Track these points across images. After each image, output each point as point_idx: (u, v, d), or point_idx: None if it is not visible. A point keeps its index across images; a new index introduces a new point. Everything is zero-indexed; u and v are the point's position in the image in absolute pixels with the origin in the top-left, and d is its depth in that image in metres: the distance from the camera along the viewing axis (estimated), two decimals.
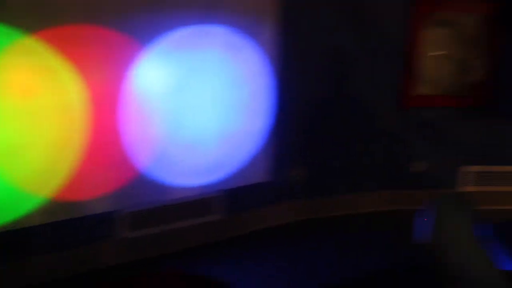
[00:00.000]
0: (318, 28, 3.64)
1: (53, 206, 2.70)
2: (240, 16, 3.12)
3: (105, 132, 2.83)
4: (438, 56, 4.22)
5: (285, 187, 3.78)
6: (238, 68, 3.19)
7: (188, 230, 3.32)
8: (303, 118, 3.74)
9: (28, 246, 2.75)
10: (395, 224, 3.86)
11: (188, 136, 3.10)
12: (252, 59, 3.25)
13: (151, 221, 3.15)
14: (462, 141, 4.18)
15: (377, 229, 3.81)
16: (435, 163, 4.21)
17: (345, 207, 4.08)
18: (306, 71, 3.66)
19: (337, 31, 3.73)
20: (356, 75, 3.88)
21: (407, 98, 4.07)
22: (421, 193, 4.16)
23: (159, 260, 3.16)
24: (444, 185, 4.24)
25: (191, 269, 3.04)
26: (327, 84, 3.81)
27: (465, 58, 4.25)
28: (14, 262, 2.71)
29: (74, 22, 2.58)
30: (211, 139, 3.21)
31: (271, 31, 3.29)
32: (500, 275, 1.26)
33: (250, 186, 3.49)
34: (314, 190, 3.98)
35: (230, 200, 3.48)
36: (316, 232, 3.72)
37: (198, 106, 3.09)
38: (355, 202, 4.11)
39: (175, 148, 3.09)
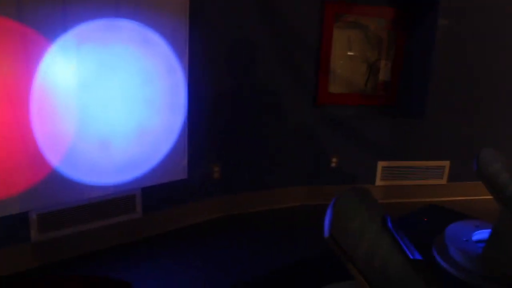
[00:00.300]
0: (230, 24, 3.67)
1: None
2: (150, 10, 3.08)
3: (12, 128, 2.69)
4: (350, 56, 4.41)
5: (200, 185, 3.78)
6: (149, 63, 3.14)
7: (103, 230, 3.24)
8: (217, 115, 3.77)
9: None
10: (311, 219, 3.98)
11: (100, 133, 3.02)
12: (163, 54, 3.22)
13: (64, 222, 3.04)
14: (372, 137, 4.39)
15: (292, 224, 3.91)
16: (349, 158, 4.39)
17: (260, 203, 4.15)
18: (218, 67, 3.69)
19: (250, 27, 3.78)
20: (270, 71, 3.94)
21: (321, 96, 4.21)
22: (337, 188, 4.32)
23: (72, 262, 3.06)
24: (359, 179, 4.44)
25: (103, 271, 2.96)
26: (241, 80, 3.85)
27: (373, 59, 4.48)
28: None
29: None
30: (124, 136, 3.15)
31: (182, 26, 3.27)
32: (405, 264, 1.33)
33: (165, 184, 3.45)
34: (230, 187, 4.01)
35: (145, 198, 3.42)
36: (231, 229, 3.75)
37: (110, 102, 3.02)
38: (270, 198, 4.19)
39: (87, 145, 3.00)
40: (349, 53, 4.42)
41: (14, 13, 2.57)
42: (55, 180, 2.95)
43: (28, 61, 2.69)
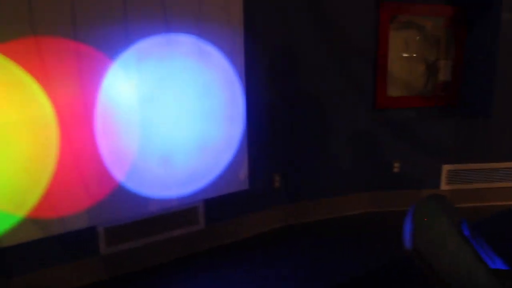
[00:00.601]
0: (284, 32, 3.64)
1: (29, 225, 2.62)
2: (206, 23, 3.10)
3: (79, 146, 2.77)
4: (407, 58, 4.27)
5: (261, 194, 3.75)
6: (207, 76, 3.16)
7: (167, 242, 3.26)
8: (275, 124, 3.74)
9: (5, 266, 2.66)
10: (374, 227, 3.87)
11: (162, 147, 3.06)
12: (221, 66, 3.23)
13: (129, 235, 3.09)
14: (435, 140, 4.23)
15: (356, 232, 3.81)
16: (412, 163, 4.24)
17: (322, 211, 4.08)
18: (274, 76, 3.67)
19: (303, 34, 3.74)
20: (327, 77, 3.88)
21: (380, 100, 4.10)
22: (400, 194, 4.19)
23: (138, 275, 3.09)
24: (424, 184, 4.28)
25: (166, 283, 2.98)
26: (297, 88, 3.81)
27: (432, 59, 4.32)
28: None
29: (37, 34, 2.51)
30: (185, 149, 3.17)
31: (237, 37, 3.28)
32: (489, 274, 1.24)
33: (227, 195, 3.45)
34: (291, 196, 3.96)
35: (208, 210, 3.44)
36: (293, 239, 3.70)
37: (170, 116, 3.06)
38: (332, 206, 4.11)
39: (150, 160, 3.04)
40: (406, 55, 4.29)
41: (75, 34, 2.65)
42: (121, 195, 3.01)
43: (91, 79, 2.77)
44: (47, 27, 2.55)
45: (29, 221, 2.65)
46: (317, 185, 4.06)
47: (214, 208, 3.47)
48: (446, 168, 4.29)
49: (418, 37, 4.29)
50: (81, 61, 2.70)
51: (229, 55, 3.26)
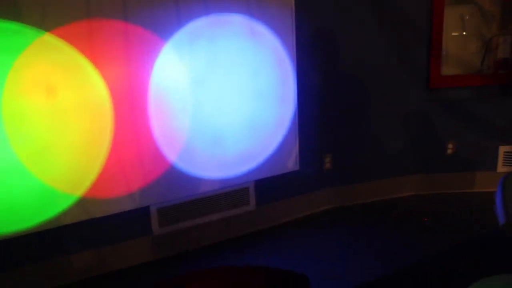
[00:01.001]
0: (336, 10, 3.56)
1: (85, 204, 2.69)
2: (257, 2, 3.05)
3: (133, 128, 2.80)
4: (463, 35, 4.11)
5: (312, 176, 3.72)
6: (258, 56, 3.13)
7: (218, 223, 3.29)
8: (326, 104, 3.68)
9: (61, 245, 2.76)
10: (426, 209, 3.79)
11: (213, 128, 3.06)
12: (271, 46, 3.20)
13: (181, 215, 3.13)
14: (492, 120, 4.07)
15: (408, 215, 3.73)
16: (466, 144, 4.11)
17: (373, 193, 4.02)
18: (325, 56, 3.60)
19: (356, 14, 3.64)
20: (379, 57, 3.78)
21: (434, 79, 3.97)
22: (453, 176, 4.07)
23: (190, 255, 3.14)
24: (479, 166, 4.14)
25: (217, 263, 3.01)
26: (348, 67, 3.73)
27: (489, 36, 4.14)
28: (48, 260, 2.72)
29: (90, 17, 2.53)
30: (236, 129, 3.17)
31: (288, 17, 3.22)
32: None
33: (277, 176, 3.44)
34: (342, 177, 3.92)
35: (258, 191, 3.44)
36: (344, 220, 3.67)
37: (221, 96, 3.06)
38: (383, 188, 4.04)
39: (202, 140, 3.06)
40: (461, 31, 4.12)
41: (128, 16, 2.67)
42: (173, 175, 3.05)
43: (144, 61, 2.79)
44: (101, 10, 2.57)
45: (85, 201, 2.72)
46: (368, 166, 3.99)
47: (265, 189, 3.47)
48: (503, 149, 4.13)
49: (473, 13, 4.11)
50: (133, 43, 2.73)
51: (280, 34, 3.22)
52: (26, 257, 2.70)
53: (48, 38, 2.47)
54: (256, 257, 3.11)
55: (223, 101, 3.09)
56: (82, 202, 2.70)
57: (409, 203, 3.97)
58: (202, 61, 2.97)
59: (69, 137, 2.61)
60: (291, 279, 1.84)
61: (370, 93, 3.86)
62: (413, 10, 3.82)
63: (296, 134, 3.45)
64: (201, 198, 3.21)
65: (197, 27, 2.92)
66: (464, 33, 4.13)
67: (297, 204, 3.70)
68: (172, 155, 3.02)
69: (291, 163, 3.50)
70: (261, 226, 3.52)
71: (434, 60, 3.95)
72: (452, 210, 3.73)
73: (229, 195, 3.34)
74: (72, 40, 2.53)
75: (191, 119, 3.03)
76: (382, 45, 3.78)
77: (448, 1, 3.94)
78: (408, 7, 3.80)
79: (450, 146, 4.10)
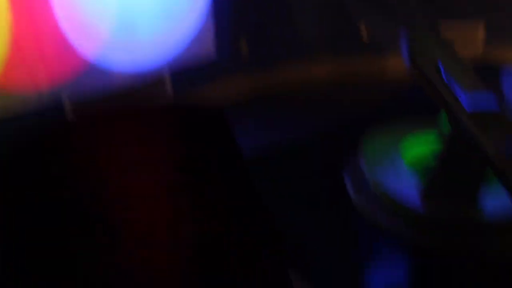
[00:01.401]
0: None
1: None
2: None
3: (32, 19, 2.62)
4: None
5: (228, 62, 3.72)
6: None
7: None
8: None
9: None
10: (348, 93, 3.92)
11: (124, 16, 2.93)
12: None
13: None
14: None
15: (331, 97, 3.85)
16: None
17: (293, 76, 4.10)
18: None
19: None
20: None
21: None
22: (370, 58, 4.21)
23: None
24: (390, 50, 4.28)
25: None
26: None
27: None
28: None
29: None
30: (149, 19, 3.06)
31: None
32: None
33: (194, 65, 3.41)
34: (259, 62, 3.94)
35: (175, 82, 3.41)
36: (268, 104, 3.73)
37: None
38: (304, 68, 4.12)
39: (112, 30, 2.93)
40: None
41: None
42: (85, 70, 2.94)
43: None
44: None
45: None
46: (283, 51, 4.03)
47: (182, 79, 3.44)
48: None
49: None
50: None
51: None
52: None
53: None
54: None
55: None
56: None
57: (323, 87, 4.09)
58: None
59: None
60: (205, 117, 1.81)
61: None
62: None
63: (211, 19, 3.39)
64: (116, 94, 3.15)
65: None
66: None
67: (215, 92, 3.72)
68: (81, 46, 2.90)
69: (207, 50, 3.47)
70: None
71: None
72: (360, 96, 3.88)
73: (145, 88, 3.29)
74: None
75: (100, 8, 2.88)
76: None
77: None
78: None
79: (363, 28, 4.20)
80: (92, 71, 2.74)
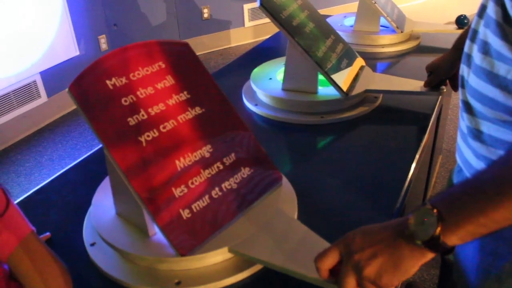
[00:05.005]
0: None
1: None
2: None
3: None
4: None
5: (93, 57, 4.04)
6: None
7: (13, 123, 3.50)
8: None
9: None
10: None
11: None
12: None
13: None
14: None
15: None
16: (220, 6, 4.83)
17: None
18: None
19: None
20: None
21: None
22: (215, 36, 4.82)
23: None
24: (233, 24, 4.94)
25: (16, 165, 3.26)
26: None
27: None
28: None
29: None
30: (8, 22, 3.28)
31: None
32: None
33: (61, 63, 3.70)
34: None
35: (48, 82, 3.68)
36: None
37: None
38: None
39: None
40: None
41: None
42: None
43: None
44: None
45: None
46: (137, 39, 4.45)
47: (52, 79, 3.72)
48: (247, 7, 4.99)
49: None
50: None
51: None
52: None
53: None
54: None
55: None
56: None
57: None
58: None
59: None
60: None
61: None
62: None
63: (69, 20, 3.71)
64: None
65: None
66: None
67: None
68: None
69: (71, 49, 3.79)
70: (56, 116, 3.80)
71: None
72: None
73: (18, 92, 3.51)
74: None
75: None
76: None
77: None
78: None
79: (205, 10, 4.79)
80: None
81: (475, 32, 0.87)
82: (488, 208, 0.63)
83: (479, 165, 0.90)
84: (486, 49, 0.82)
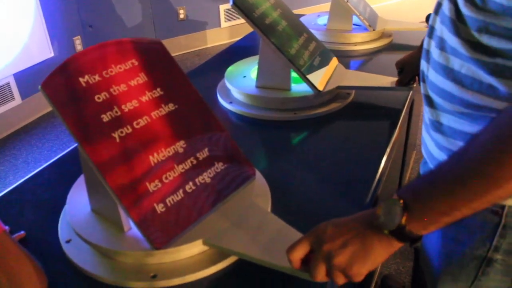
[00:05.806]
0: None
1: None
2: None
3: None
4: None
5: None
6: None
7: None
8: None
9: None
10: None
11: None
12: None
13: None
14: None
15: None
16: (196, 7, 4.84)
17: None
18: None
19: None
20: None
21: None
22: (191, 36, 4.83)
23: None
24: (209, 25, 4.95)
25: None
26: None
27: None
28: None
29: None
30: None
31: None
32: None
33: (35, 65, 3.67)
34: None
35: (22, 84, 3.64)
36: None
37: None
38: None
39: None
40: None
41: None
42: None
43: None
44: None
45: None
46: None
47: (27, 81, 3.69)
48: (223, 8, 5.00)
49: None
50: None
51: None
52: None
53: None
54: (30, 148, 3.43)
55: None
56: None
57: None
58: None
59: None
60: None
61: None
62: None
63: (43, 21, 3.67)
64: None
65: None
66: None
67: None
68: None
69: (45, 51, 3.76)
70: (31, 118, 3.77)
71: None
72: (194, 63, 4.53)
73: None
74: None
75: None
76: None
77: None
78: None
79: (181, 11, 4.79)
80: None
81: (433, 29, 0.91)
82: (449, 196, 0.66)
83: (441, 156, 0.93)
84: (442, 45, 0.86)
